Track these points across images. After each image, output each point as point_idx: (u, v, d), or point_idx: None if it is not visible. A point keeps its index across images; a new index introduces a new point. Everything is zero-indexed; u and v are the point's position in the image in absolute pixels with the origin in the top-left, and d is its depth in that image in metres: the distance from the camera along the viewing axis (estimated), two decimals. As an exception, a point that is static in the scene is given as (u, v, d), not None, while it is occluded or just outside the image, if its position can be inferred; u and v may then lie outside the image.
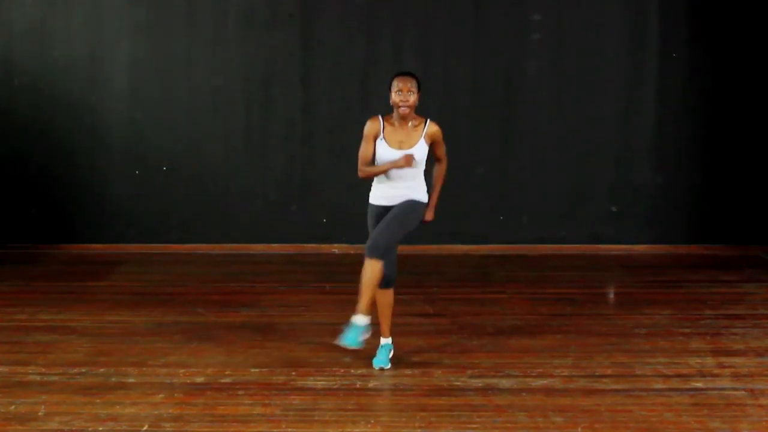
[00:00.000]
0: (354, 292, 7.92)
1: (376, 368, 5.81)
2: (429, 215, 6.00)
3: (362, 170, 5.80)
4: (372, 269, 5.57)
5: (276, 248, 9.81)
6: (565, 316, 7.17)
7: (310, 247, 9.80)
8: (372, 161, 5.79)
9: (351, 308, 7.34)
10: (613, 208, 9.87)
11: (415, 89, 5.71)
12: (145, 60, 9.75)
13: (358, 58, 9.76)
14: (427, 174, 5.98)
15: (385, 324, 5.99)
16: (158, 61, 9.77)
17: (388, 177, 5.80)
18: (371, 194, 5.93)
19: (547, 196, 9.84)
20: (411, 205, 5.79)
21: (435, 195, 6.04)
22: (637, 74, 9.78)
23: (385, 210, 5.85)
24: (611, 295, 8.16)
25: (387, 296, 5.98)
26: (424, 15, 9.74)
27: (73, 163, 9.80)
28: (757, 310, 7.40)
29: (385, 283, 5.86)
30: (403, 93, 5.67)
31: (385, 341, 5.99)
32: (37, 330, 6.75)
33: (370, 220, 5.92)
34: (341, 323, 6.94)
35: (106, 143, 9.80)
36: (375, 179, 5.88)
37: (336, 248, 9.82)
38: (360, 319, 5.58)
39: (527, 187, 9.81)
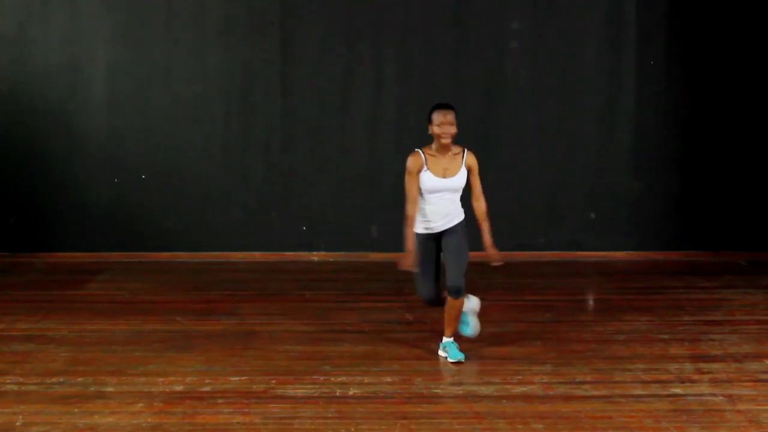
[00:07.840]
0: (333, 299, 8.00)
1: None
2: (495, 256, 6.18)
3: (408, 212, 6.05)
4: (457, 306, 6.08)
5: (256, 256, 9.78)
6: (545, 323, 7.18)
7: (290, 255, 9.78)
8: (419, 193, 6.05)
9: (331, 316, 7.39)
10: (592, 215, 9.91)
11: (455, 121, 6.11)
12: (123, 67, 9.71)
13: (338, 65, 9.75)
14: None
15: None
16: (137, 69, 9.72)
17: (430, 213, 6.07)
18: (416, 226, 6.12)
19: (526, 203, 9.86)
20: (462, 235, 6.13)
21: (488, 236, 6.19)
22: (616, 82, 9.82)
23: (430, 237, 6.10)
24: (590, 302, 8.18)
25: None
26: (404, 23, 9.75)
27: (52, 171, 9.74)
28: (735, 316, 7.43)
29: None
30: (444, 126, 6.05)
31: (448, 340, 6.24)
32: (14, 339, 6.70)
33: (417, 246, 6.08)
34: (321, 331, 6.97)
35: (85, 151, 9.75)
36: (419, 214, 6.09)
37: (316, 256, 9.81)
38: (449, 340, 6.23)
39: (506, 194, 9.81)
